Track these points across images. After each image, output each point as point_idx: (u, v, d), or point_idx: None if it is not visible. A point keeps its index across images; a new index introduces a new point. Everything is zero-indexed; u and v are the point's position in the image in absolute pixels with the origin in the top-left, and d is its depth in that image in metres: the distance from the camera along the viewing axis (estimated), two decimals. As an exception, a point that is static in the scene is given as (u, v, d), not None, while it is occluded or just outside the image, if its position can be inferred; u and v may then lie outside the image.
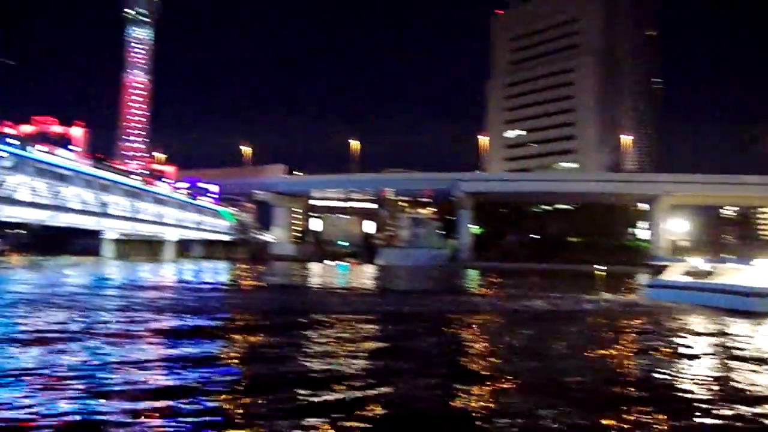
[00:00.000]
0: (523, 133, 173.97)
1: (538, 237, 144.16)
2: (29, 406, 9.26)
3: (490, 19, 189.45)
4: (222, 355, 14.09)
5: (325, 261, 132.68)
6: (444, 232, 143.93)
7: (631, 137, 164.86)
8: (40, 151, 63.75)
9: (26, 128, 70.82)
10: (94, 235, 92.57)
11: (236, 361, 13.56)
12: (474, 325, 22.25)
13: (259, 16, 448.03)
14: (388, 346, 16.44)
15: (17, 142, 61.77)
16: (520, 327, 22.12)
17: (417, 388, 11.51)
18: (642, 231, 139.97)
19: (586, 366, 14.60)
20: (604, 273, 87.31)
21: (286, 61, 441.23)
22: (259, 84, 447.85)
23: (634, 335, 21.17)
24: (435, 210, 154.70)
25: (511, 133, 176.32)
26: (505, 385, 11.90)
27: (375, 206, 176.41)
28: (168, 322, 20.08)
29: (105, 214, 75.07)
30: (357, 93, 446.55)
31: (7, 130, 64.30)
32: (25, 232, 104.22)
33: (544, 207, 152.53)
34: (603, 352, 16.58)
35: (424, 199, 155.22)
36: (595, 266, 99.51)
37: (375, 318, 22.87)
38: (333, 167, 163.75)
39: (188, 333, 17.68)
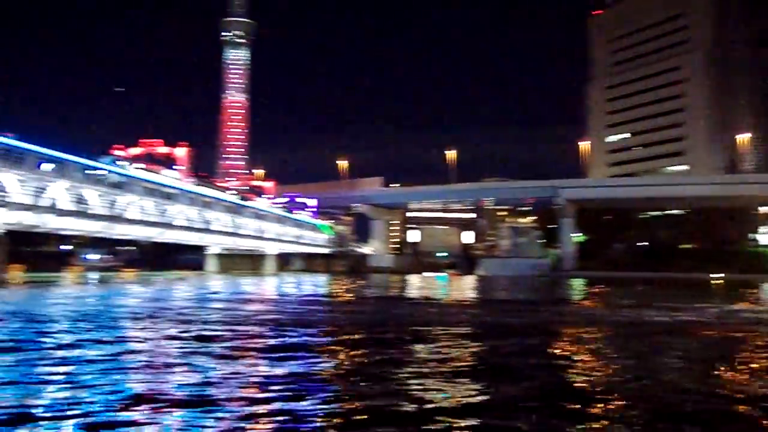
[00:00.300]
0: (627, 136, 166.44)
1: (646, 244, 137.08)
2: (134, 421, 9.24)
3: (586, 20, 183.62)
4: (321, 372, 13.62)
5: (424, 272, 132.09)
6: (545, 241, 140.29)
7: (748, 135, 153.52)
8: (137, 169, 67.18)
9: (134, 150, 75.02)
10: (199, 250, 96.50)
11: (334, 377, 13.10)
12: (579, 338, 20.72)
13: (352, 31, 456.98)
14: (487, 360, 15.37)
15: (126, 164, 65.46)
16: (630, 340, 20.32)
17: (517, 406, 10.60)
18: (764, 236, 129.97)
19: (706, 384, 12.89)
20: (722, 282, 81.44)
21: (379, 74, 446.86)
22: (355, 98, 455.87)
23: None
24: (535, 218, 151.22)
25: (614, 137, 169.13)
26: (612, 405, 10.56)
27: (473, 216, 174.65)
28: (270, 334, 20.07)
29: (208, 230, 77.98)
30: (452, 102, 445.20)
31: (117, 152, 68.26)
32: (134, 248, 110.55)
33: (651, 213, 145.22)
34: (729, 368, 14.72)
35: (524, 208, 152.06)
36: (710, 275, 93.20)
37: (475, 331, 21.78)
38: (430, 178, 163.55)
39: (289, 347, 17.49)
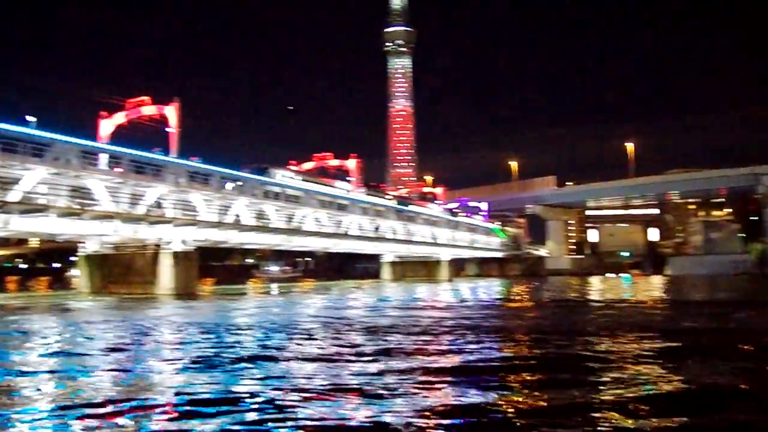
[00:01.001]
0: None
1: None
2: None
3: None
4: (499, 401, 11.97)
5: (606, 273, 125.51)
6: (745, 235, 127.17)
7: None
8: (311, 182, 70.01)
9: (307, 165, 78.48)
10: (372, 258, 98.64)
11: (513, 408, 11.32)
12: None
13: (511, 30, 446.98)
14: (685, 377, 12.70)
15: (300, 178, 68.67)
16: None
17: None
18: None
19: None
20: None
21: (543, 71, 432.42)
22: (520, 97, 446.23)
23: None
24: (731, 210, 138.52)
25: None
26: None
27: (658, 211, 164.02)
28: (448, 344, 18.75)
29: (381, 239, 79.25)
30: (625, 94, 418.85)
31: (292, 168, 71.81)
32: (311, 259, 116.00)
33: None
34: None
35: (717, 199, 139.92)
36: None
37: (669, 343, 18.79)
38: (607, 174, 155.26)
39: (469, 358, 15.95)
